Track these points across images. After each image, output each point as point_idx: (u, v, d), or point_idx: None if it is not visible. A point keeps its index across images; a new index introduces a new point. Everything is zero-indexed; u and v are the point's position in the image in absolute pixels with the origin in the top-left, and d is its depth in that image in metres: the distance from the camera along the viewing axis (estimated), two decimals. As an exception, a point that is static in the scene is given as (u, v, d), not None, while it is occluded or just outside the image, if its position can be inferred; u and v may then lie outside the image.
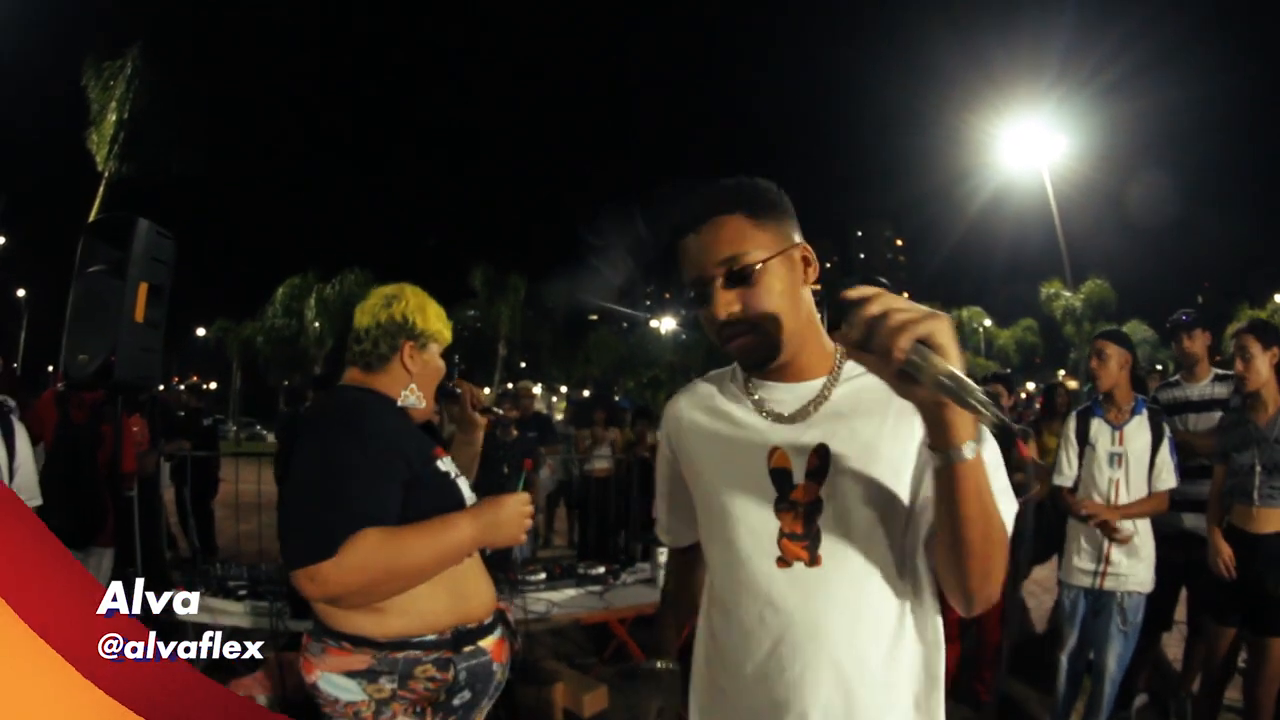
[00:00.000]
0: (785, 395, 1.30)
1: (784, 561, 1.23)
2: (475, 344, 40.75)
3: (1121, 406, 3.57)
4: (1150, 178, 48.26)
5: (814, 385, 1.29)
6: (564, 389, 42.62)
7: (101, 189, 21.97)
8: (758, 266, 1.22)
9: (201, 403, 9.44)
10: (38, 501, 2.98)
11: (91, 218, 21.20)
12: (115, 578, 3.76)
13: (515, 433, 7.77)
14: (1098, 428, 3.60)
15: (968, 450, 1.02)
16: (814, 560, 1.22)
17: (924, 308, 0.98)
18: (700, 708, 1.39)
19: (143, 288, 3.58)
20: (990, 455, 1.13)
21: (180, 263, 3.93)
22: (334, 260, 36.83)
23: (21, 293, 34.41)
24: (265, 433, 33.26)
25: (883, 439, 1.23)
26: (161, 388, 7.68)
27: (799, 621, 1.22)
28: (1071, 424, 3.71)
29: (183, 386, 10.85)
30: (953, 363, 0.95)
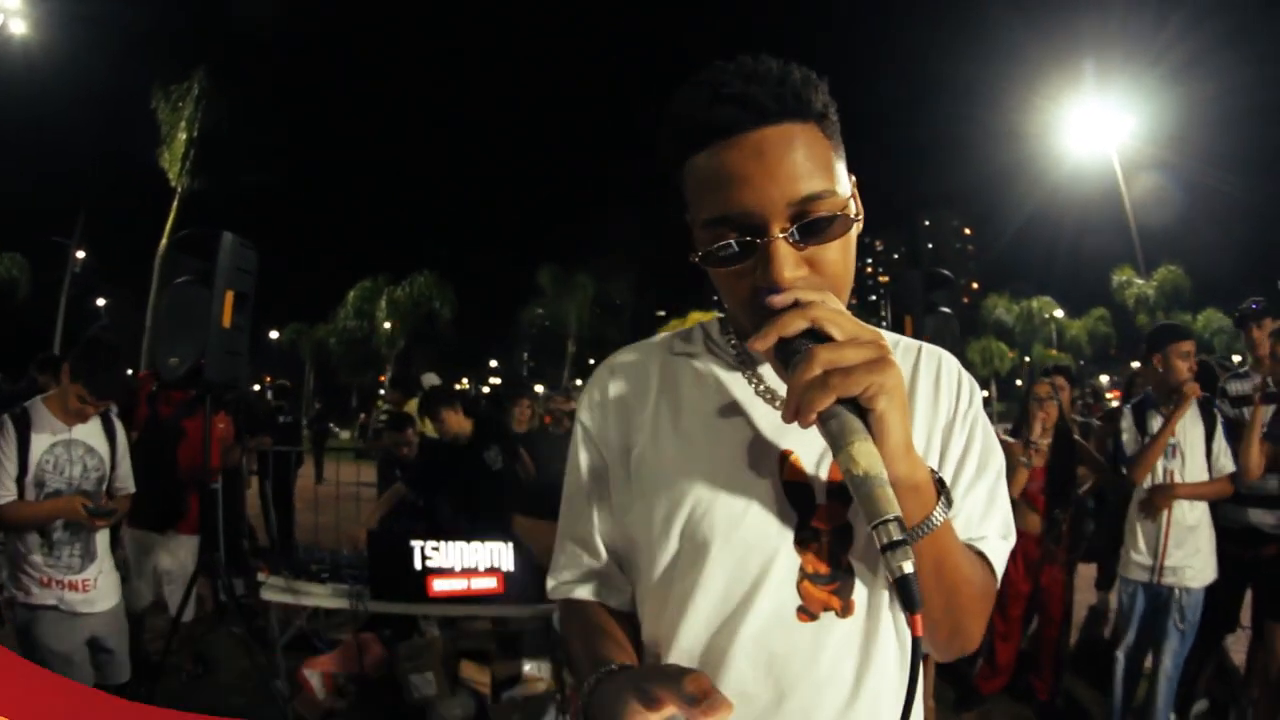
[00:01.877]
0: None
1: (807, 614, 0.89)
2: (544, 342, 41.39)
3: (1173, 399, 3.54)
4: (1224, 160, 45.77)
5: None
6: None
7: (175, 204, 23.26)
8: (853, 215, 0.87)
9: (284, 402, 9.91)
10: (133, 489, 3.34)
11: (166, 231, 22.41)
12: (200, 564, 4.13)
13: (568, 425, 7.96)
14: (1154, 420, 3.60)
15: (921, 529, 0.81)
16: (845, 610, 0.90)
17: (868, 343, 0.75)
18: None
19: (229, 295, 3.90)
20: (981, 493, 0.97)
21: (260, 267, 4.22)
22: (404, 263, 37.79)
23: (101, 302, 36.04)
24: (338, 430, 34.28)
25: (915, 435, 0.90)
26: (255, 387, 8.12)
27: (826, 690, 0.90)
28: (1129, 414, 3.72)
29: (271, 387, 11.27)
30: (889, 435, 0.74)
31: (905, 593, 0.69)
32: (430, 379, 8.29)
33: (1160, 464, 3.51)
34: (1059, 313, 40.39)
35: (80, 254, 30.33)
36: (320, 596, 3.94)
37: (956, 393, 0.99)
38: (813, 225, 0.83)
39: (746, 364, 0.98)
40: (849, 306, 0.85)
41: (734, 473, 0.91)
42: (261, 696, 3.98)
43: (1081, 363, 37.65)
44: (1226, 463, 3.46)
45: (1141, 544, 3.53)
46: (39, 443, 2.96)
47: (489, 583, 3.76)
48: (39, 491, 2.94)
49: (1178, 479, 3.47)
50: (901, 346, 1.02)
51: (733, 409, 0.95)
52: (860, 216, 0.89)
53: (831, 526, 0.90)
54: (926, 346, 1.02)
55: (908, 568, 0.68)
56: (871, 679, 0.90)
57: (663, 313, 51.58)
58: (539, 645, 4.03)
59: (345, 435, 32.45)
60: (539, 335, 42.08)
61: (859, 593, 0.90)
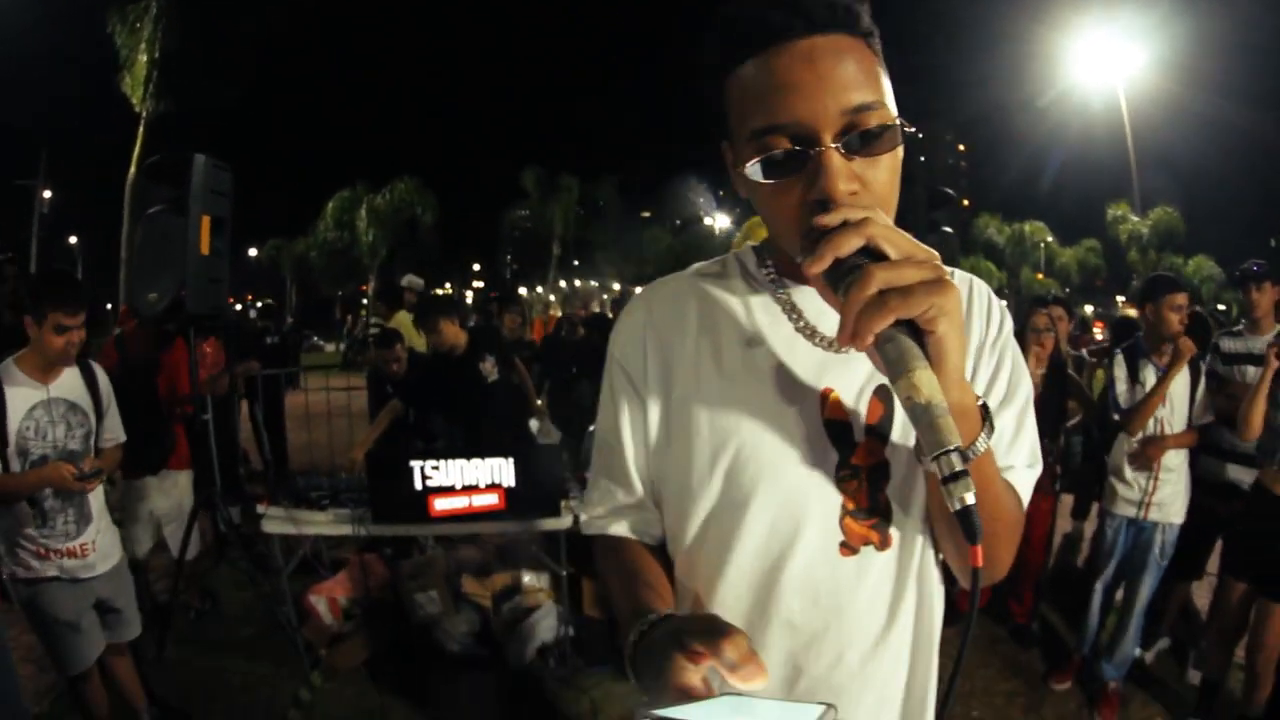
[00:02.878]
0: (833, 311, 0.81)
1: (849, 548, 0.93)
2: (528, 244, 41.12)
3: (1164, 350, 3.64)
4: (1235, 94, 43.43)
5: None
6: (617, 286, 42.83)
7: (141, 129, 22.28)
8: (899, 126, 0.83)
9: (270, 322, 9.77)
10: (123, 438, 3.19)
11: (134, 160, 21.71)
12: (196, 499, 4.09)
13: (582, 331, 7.96)
14: (1146, 370, 3.69)
15: (969, 454, 0.77)
16: (884, 543, 0.94)
17: (926, 263, 0.71)
18: None
19: (205, 220, 3.73)
20: (1008, 421, 0.96)
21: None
22: (383, 171, 36.98)
23: (74, 240, 35.34)
24: (322, 344, 34.16)
25: None
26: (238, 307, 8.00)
27: (860, 628, 0.95)
28: (1122, 362, 3.78)
29: (254, 306, 11.14)
30: (948, 360, 0.72)
31: (967, 523, 0.68)
32: (413, 280, 8.17)
33: (1155, 413, 3.62)
34: (1050, 238, 40.10)
35: (47, 194, 29.35)
36: (322, 524, 3.95)
37: (987, 319, 0.99)
38: (865, 135, 0.81)
39: (785, 299, 0.97)
40: None
41: (777, 412, 0.93)
42: (269, 626, 4.08)
43: (1068, 290, 37.65)
44: (1202, 414, 3.63)
45: (1130, 480, 3.67)
46: (15, 409, 2.76)
47: (490, 499, 3.75)
48: (23, 461, 2.77)
49: (1168, 428, 3.61)
50: None
51: (774, 346, 0.95)
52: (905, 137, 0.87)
53: (870, 463, 0.93)
54: (960, 274, 1.00)
55: (969, 499, 0.67)
56: (905, 608, 0.95)
57: (647, 214, 51.23)
58: (537, 556, 4.07)
59: (330, 348, 32.34)
60: (522, 238, 41.71)
61: (894, 527, 0.93)
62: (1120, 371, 3.76)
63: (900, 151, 0.86)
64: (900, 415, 0.92)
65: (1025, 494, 0.96)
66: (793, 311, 0.96)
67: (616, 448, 1.04)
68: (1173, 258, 32.46)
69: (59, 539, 2.87)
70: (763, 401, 0.93)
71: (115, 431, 3.14)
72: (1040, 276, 38.83)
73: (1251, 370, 3.72)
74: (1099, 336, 15.24)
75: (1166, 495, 3.61)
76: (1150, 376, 3.65)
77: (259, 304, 10.55)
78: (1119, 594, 3.81)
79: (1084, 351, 5.95)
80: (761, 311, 0.97)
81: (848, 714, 0.91)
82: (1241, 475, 3.67)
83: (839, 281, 0.72)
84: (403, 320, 6.54)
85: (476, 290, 53.41)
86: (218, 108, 23.47)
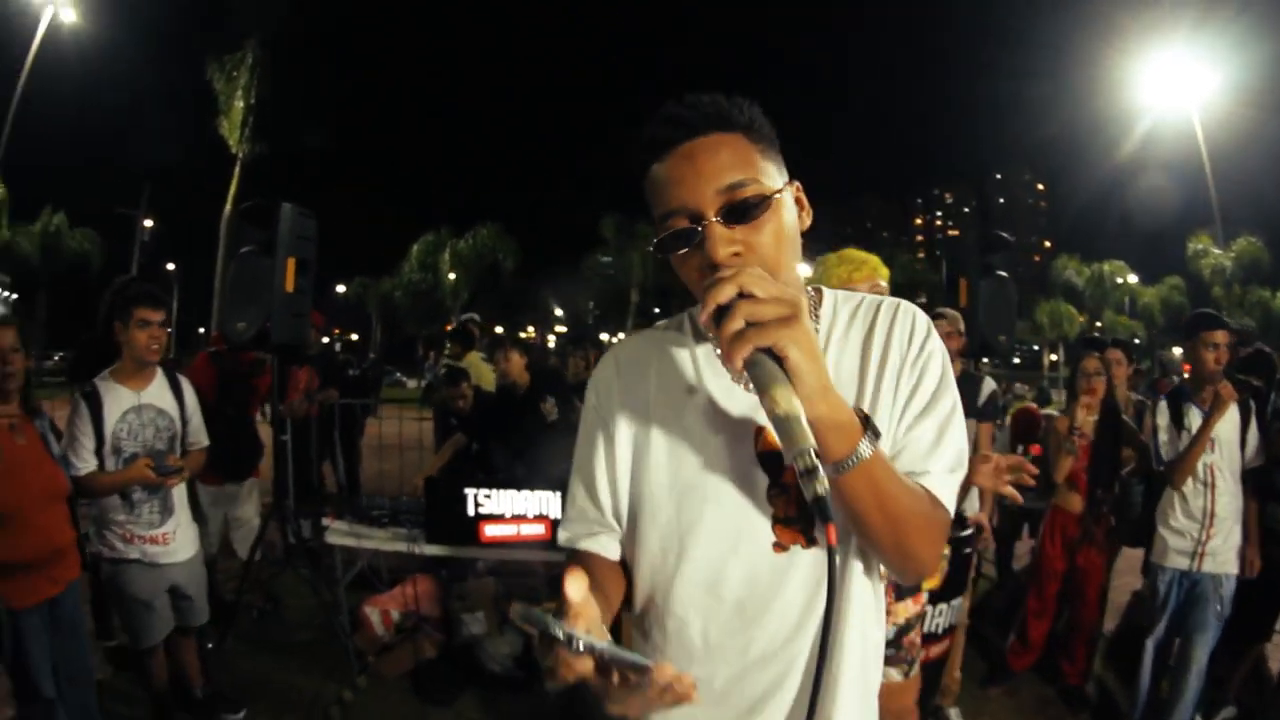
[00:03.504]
0: None
1: (780, 546, 1.12)
2: (607, 292, 41.70)
3: (1207, 392, 3.47)
4: None
5: None
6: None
7: (237, 170, 24.12)
8: (774, 197, 1.05)
9: (352, 356, 10.36)
10: (206, 442, 3.57)
11: (230, 197, 23.25)
12: (271, 510, 4.49)
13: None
14: (1191, 414, 3.52)
15: (850, 461, 0.95)
16: (810, 543, 1.12)
17: (783, 302, 0.89)
18: None
19: (290, 262, 4.19)
20: (928, 429, 1.11)
21: (321, 222, 4.46)
22: (467, 216, 38.45)
23: (171, 266, 37.71)
24: (405, 380, 35.29)
25: (864, 402, 1.12)
26: (325, 340, 8.51)
27: (792, 605, 1.12)
28: (1164, 409, 3.63)
29: (339, 340, 11.73)
30: (803, 380, 0.89)
31: (820, 509, 0.85)
32: (471, 316, 8.55)
33: (1202, 457, 3.45)
34: (1132, 278, 38.13)
35: (148, 223, 31.62)
36: (380, 540, 4.28)
37: (909, 340, 1.14)
38: (742, 207, 1.02)
39: (717, 347, 1.14)
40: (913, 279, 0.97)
41: (717, 448, 1.14)
42: (326, 632, 4.37)
43: (1155, 332, 35.95)
44: (1254, 458, 3.46)
45: (1180, 530, 3.50)
46: (111, 414, 3.17)
47: (537, 529, 4.02)
48: (117, 458, 3.17)
49: (1219, 471, 3.43)
50: (867, 305, 1.19)
51: (714, 394, 1.16)
52: (807, 219, 1.14)
53: (796, 482, 1.05)
54: (889, 301, 1.19)
55: (820, 490, 0.84)
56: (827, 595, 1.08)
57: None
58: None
59: (412, 384, 33.33)
60: (603, 284, 42.41)
61: (818, 530, 1.10)
62: (1162, 419, 3.60)
63: (787, 214, 1.07)
64: None
65: (945, 496, 1.10)
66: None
67: (590, 477, 1.24)
68: (1259, 290, 30.47)
69: (144, 526, 3.26)
70: (705, 439, 1.14)
71: (198, 436, 3.52)
72: (1124, 319, 37.20)
73: None
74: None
75: (1219, 544, 3.41)
76: (1195, 420, 3.47)
77: (341, 338, 11.13)
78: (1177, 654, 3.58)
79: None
80: (705, 362, 1.19)
81: (788, 685, 1.12)
82: None
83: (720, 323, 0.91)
84: (473, 360, 6.92)
85: (558, 334, 54.37)
86: (309, 151, 24.98)
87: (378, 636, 4.35)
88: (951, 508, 1.12)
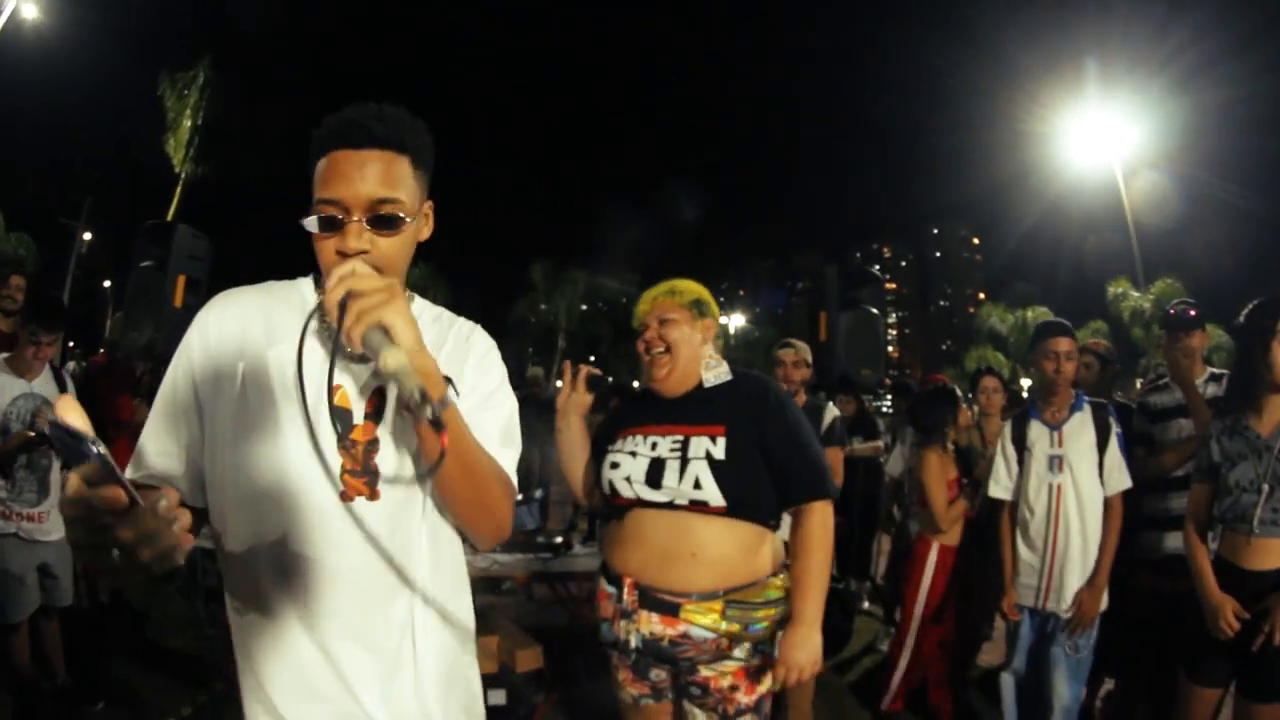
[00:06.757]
0: None
1: (346, 496, 1.23)
2: (540, 336, 41.64)
3: (1059, 405, 3.25)
4: (1229, 171, 45.30)
5: None
6: (635, 385, 42.77)
7: (179, 189, 23.69)
8: (408, 221, 1.24)
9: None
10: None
11: (170, 216, 22.83)
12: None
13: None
14: (1035, 430, 3.28)
15: (443, 402, 1.11)
16: (373, 495, 1.25)
17: (382, 290, 1.12)
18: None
19: (181, 279, 4.50)
20: (485, 420, 1.32)
21: (249, 252, 4.74)
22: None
23: (107, 284, 36.87)
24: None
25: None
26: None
27: (355, 553, 1.24)
28: (1007, 430, 3.41)
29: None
30: (403, 340, 1.10)
31: (435, 422, 1.08)
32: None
33: (1045, 479, 3.20)
34: None
35: (87, 235, 30.93)
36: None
37: (467, 350, 1.40)
38: (381, 218, 1.21)
39: (320, 315, 1.26)
40: None
41: (298, 402, 1.22)
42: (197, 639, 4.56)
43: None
44: (1121, 478, 3.13)
45: (1025, 563, 3.25)
46: (2, 397, 3.48)
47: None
48: (4, 437, 3.46)
49: (1068, 493, 3.14)
50: (445, 317, 1.45)
51: (303, 349, 1.23)
52: (426, 232, 1.36)
53: (366, 439, 1.26)
54: (464, 322, 1.46)
55: (429, 413, 1.07)
56: (397, 546, 1.26)
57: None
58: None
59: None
60: (532, 329, 42.44)
61: (383, 485, 1.25)
62: (1005, 439, 3.39)
63: (410, 233, 1.27)
64: (390, 407, 1.26)
65: (507, 465, 1.34)
66: (324, 325, 1.26)
67: (163, 424, 1.30)
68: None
69: (23, 504, 3.52)
70: (288, 391, 1.23)
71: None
72: (1051, 363, 38.36)
73: (1185, 424, 3.30)
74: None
75: (1068, 581, 3.11)
76: (1041, 437, 3.24)
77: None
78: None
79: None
80: (302, 323, 1.25)
81: (366, 641, 1.24)
82: (1181, 544, 2.89)
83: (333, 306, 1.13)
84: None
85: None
86: (250, 177, 24.72)
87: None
88: (514, 480, 1.37)
